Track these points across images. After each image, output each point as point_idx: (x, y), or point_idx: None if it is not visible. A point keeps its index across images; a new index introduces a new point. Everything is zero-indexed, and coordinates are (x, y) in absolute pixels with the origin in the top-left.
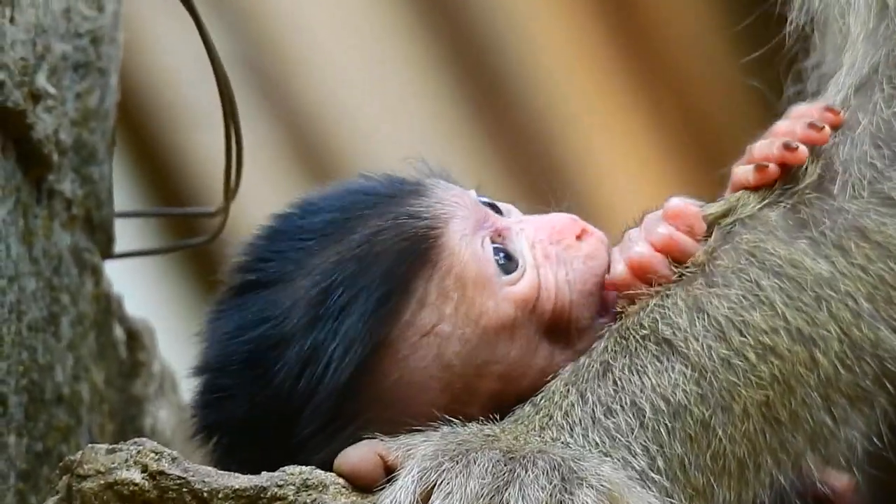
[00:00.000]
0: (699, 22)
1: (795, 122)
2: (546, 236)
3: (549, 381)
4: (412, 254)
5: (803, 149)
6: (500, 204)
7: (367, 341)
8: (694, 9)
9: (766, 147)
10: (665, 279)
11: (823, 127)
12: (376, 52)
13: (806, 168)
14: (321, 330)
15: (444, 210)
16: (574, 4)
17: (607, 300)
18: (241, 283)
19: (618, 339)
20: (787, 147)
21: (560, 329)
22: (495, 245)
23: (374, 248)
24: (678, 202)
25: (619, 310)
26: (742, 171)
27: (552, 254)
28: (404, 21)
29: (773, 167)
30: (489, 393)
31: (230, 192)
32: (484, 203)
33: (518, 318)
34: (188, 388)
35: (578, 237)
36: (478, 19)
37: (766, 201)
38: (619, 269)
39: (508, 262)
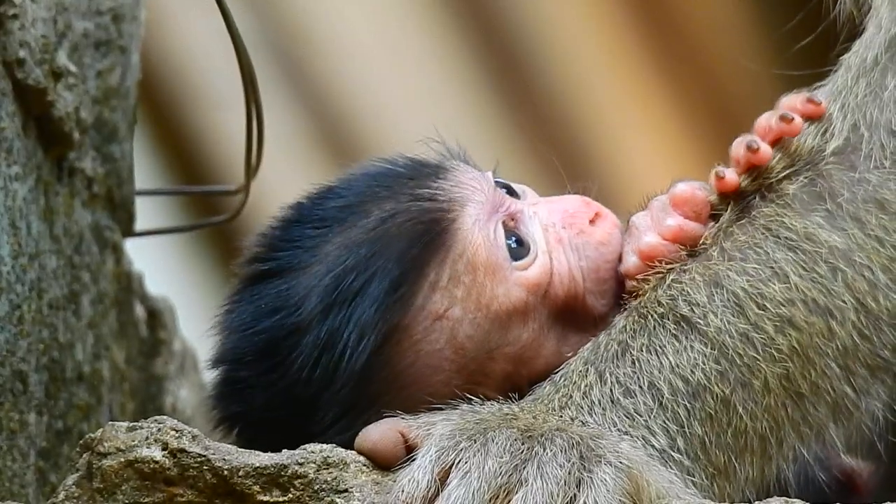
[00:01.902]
0: (725, 5)
1: (771, 117)
2: (559, 220)
3: (567, 361)
4: (425, 237)
5: (766, 148)
6: (515, 186)
7: (381, 326)
8: None
9: (734, 147)
10: (679, 259)
11: (793, 118)
12: (398, 32)
13: (832, 129)
14: (336, 316)
15: (459, 194)
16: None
17: (621, 287)
18: (254, 274)
19: (636, 317)
20: (749, 148)
21: (573, 313)
22: (508, 229)
23: (388, 232)
24: (685, 188)
25: (634, 288)
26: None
27: (565, 238)
28: (430, 2)
29: (731, 176)
30: (503, 374)
31: (251, 170)
32: (499, 184)
33: (530, 302)
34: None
35: (591, 221)
36: (508, 6)
37: (787, 172)
38: (632, 261)
39: (520, 247)
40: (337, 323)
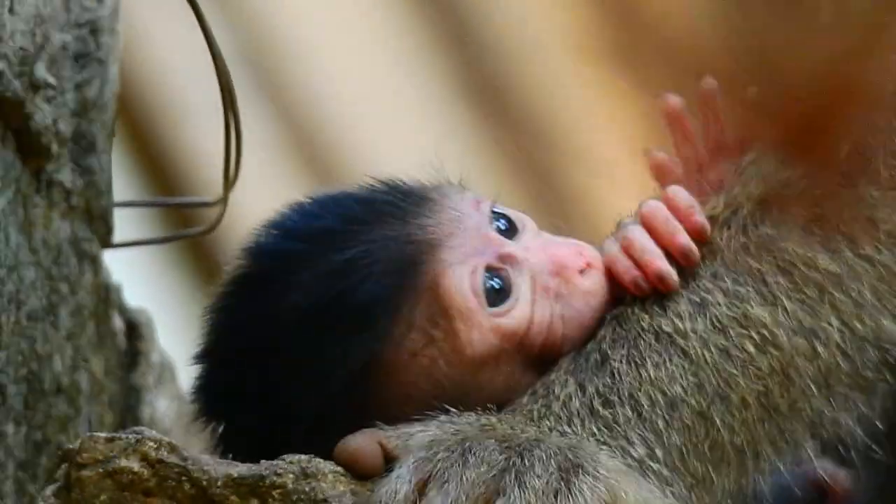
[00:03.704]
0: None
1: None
2: (548, 268)
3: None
4: (401, 278)
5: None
6: (514, 215)
7: (354, 359)
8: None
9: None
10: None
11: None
12: (377, 48)
13: (841, 145)
14: (312, 344)
15: (441, 234)
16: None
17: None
18: (242, 276)
19: (617, 328)
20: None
21: (550, 355)
22: (492, 273)
23: (366, 268)
24: (678, 190)
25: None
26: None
27: (551, 287)
28: (405, 15)
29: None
30: (481, 403)
31: (229, 182)
32: (497, 214)
33: (504, 349)
34: (187, 377)
35: (581, 272)
36: (481, 16)
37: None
38: (613, 249)
39: (502, 293)
40: (313, 351)
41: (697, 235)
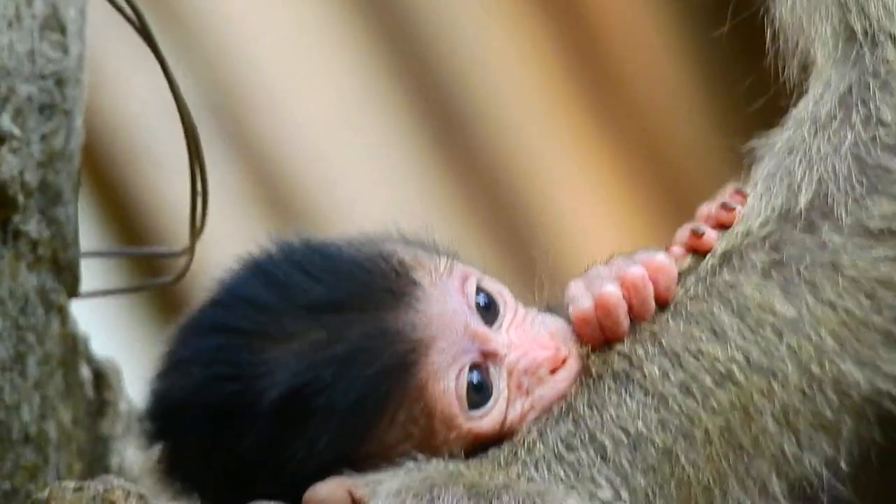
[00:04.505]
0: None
1: (712, 206)
2: (524, 367)
3: None
4: (389, 377)
5: (710, 233)
6: (495, 293)
7: (330, 451)
8: (668, 55)
9: (679, 233)
10: (621, 332)
11: (704, 233)
12: (343, 94)
13: (800, 184)
14: (290, 427)
15: (429, 333)
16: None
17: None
18: (219, 320)
19: (579, 379)
20: (695, 234)
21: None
22: (475, 372)
23: (355, 362)
24: (664, 258)
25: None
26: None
27: (524, 385)
28: (371, 61)
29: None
30: None
31: (196, 232)
32: (480, 293)
33: (475, 445)
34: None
35: (554, 370)
36: (446, 61)
37: (750, 239)
38: (585, 305)
39: (482, 393)
40: (290, 436)
41: (663, 302)
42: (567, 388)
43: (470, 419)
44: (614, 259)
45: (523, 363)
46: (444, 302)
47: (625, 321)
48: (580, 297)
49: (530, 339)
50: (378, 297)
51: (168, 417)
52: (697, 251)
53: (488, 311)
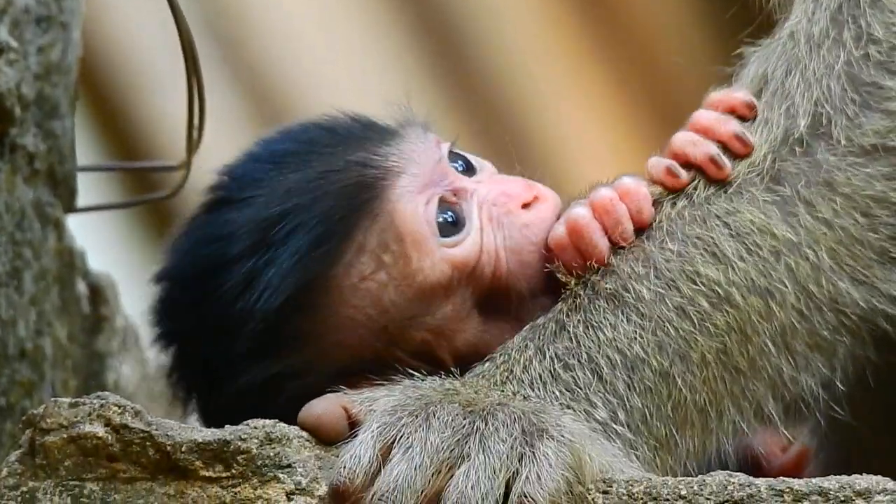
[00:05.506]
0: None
1: (716, 122)
2: (493, 198)
3: (489, 343)
4: (355, 200)
5: (684, 175)
6: (473, 159)
7: (301, 275)
8: None
9: (652, 166)
10: (599, 252)
11: (722, 166)
12: (338, 11)
13: (796, 108)
14: (262, 256)
15: (398, 163)
16: None
17: (552, 280)
18: (210, 200)
19: (571, 298)
20: (714, 162)
21: (497, 295)
22: (445, 206)
23: (322, 188)
24: (630, 181)
25: (562, 278)
26: (656, 168)
27: (494, 216)
28: None
29: (684, 175)
30: (422, 341)
31: (193, 146)
32: (455, 156)
33: (454, 278)
34: (151, 342)
35: (527, 205)
36: None
37: (748, 164)
38: (559, 231)
39: (455, 225)
40: (262, 263)
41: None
42: (537, 232)
43: (444, 246)
44: (594, 188)
45: (493, 194)
46: (419, 143)
47: (601, 241)
48: (555, 227)
49: (503, 181)
50: (350, 136)
51: (164, 284)
52: (669, 189)
53: (464, 170)
